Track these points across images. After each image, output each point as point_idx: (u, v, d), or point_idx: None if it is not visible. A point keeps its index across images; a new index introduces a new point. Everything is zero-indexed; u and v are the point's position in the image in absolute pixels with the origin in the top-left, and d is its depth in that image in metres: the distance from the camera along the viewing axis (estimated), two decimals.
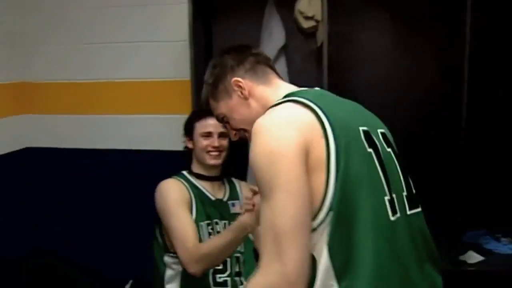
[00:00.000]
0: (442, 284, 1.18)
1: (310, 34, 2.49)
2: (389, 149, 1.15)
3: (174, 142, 2.14)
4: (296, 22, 2.47)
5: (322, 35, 2.27)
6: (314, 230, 1.01)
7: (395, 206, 1.08)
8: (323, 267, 1.00)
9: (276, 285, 0.97)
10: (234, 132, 1.31)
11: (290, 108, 1.09)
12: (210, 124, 1.94)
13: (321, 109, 1.05)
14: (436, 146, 2.47)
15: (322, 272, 1.01)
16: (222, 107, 1.28)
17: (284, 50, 2.48)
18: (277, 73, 1.31)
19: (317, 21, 2.39)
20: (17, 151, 2.74)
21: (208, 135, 1.95)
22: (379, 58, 2.52)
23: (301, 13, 2.40)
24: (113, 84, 2.67)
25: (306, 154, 1.00)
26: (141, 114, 2.66)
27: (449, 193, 2.29)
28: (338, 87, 2.33)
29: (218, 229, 1.92)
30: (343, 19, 2.40)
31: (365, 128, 1.11)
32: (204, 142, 1.94)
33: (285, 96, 1.15)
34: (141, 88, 2.63)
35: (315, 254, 1.01)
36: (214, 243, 1.78)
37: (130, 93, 2.66)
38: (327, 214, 1.00)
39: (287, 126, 1.03)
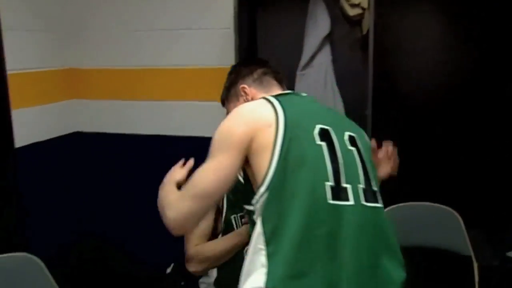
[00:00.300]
0: (403, 279, 1.29)
1: (356, 22, 2.46)
2: (352, 148, 1.32)
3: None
4: (341, 10, 2.44)
5: (368, 23, 2.24)
6: (256, 202, 1.22)
7: (341, 193, 1.22)
8: (256, 233, 1.20)
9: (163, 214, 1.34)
10: None
11: (256, 104, 1.36)
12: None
13: (282, 108, 1.28)
14: (481, 136, 2.40)
15: (255, 237, 1.20)
16: (231, 107, 1.50)
17: (329, 38, 2.47)
18: (281, 85, 1.53)
19: (363, 9, 2.35)
20: (66, 135, 2.83)
21: None
22: (425, 47, 2.45)
23: (347, 0, 2.37)
24: (158, 71, 2.72)
25: (250, 140, 1.25)
26: (185, 100, 2.69)
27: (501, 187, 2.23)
28: (383, 76, 2.31)
29: None
30: (389, 6, 2.35)
31: (324, 126, 1.30)
32: None
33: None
34: (186, 75, 2.66)
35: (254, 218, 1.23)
36: (218, 246, 1.72)
37: (175, 80, 2.69)
38: (266, 189, 1.20)
39: (239, 119, 1.31)
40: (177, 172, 1.52)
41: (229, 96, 1.58)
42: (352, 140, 1.34)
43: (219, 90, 2.56)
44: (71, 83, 2.85)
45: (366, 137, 1.47)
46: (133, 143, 2.85)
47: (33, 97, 2.52)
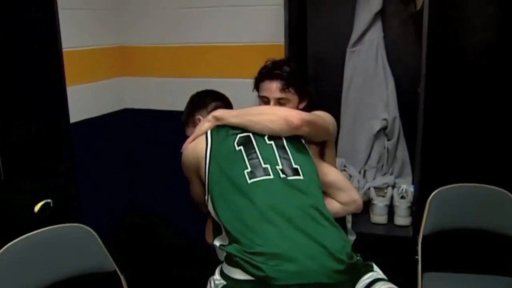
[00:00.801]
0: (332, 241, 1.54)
1: None
2: (270, 142, 1.76)
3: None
4: None
5: None
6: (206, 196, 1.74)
7: (260, 172, 1.66)
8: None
9: None
10: None
11: (195, 143, 1.88)
12: (267, 88, 1.99)
13: (211, 137, 1.82)
14: None
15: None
16: (189, 131, 2.06)
17: (380, 14, 2.40)
18: None
19: None
20: (116, 111, 2.89)
21: (266, 99, 2.00)
22: (482, 24, 2.35)
23: None
24: (206, 48, 2.72)
25: (196, 171, 1.86)
26: (235, 78, 2.68)
27: None
28: (437, 54, 2.24)
29: None
30: None
31: (244, 134, 1.78)
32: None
33: None
34: (234, 52, 2.65)
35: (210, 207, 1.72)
36: None
37: (223, 57, 2.69)
38: (209, 191, 1.71)
39: (184, 165, 1.95)
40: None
41: (188, 122, 2.12)
42: (272, 137, 1.76)
43: None
44: (120, 60, 2.89)
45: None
46: (179, 120, 2.88)
47: (84, 74, 2.58)
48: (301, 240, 1.51)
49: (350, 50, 2.47)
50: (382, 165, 2.53)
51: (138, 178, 3.01)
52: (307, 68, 2.59)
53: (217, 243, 1.67)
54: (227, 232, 1.60)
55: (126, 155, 2.95)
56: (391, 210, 2.42)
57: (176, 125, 2.91)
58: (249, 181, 1.64)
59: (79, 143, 2.44)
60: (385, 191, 2.43)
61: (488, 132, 2.38)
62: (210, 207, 1.71)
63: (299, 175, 1.68)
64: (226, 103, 2.08)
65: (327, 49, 2.57)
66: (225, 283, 1.57)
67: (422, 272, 2.10)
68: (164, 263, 3.01)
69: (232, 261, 1.53)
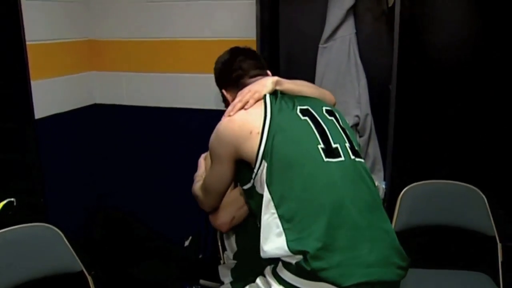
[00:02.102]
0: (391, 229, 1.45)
1: None
2: (331, 117, 1.55)
3: None
4: None
5: None
6: (255, 174, 1.44)
7: (333, 152, 1.44)
8: (266, 200, 1.39)
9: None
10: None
11: (244, 114, 1.52)
12: None
13: (270, 103, 1.50)
14: (508, 115, 2.33)
15: (265, 204, 1.39)
16: (228, 100, 1.72)
17: (353, 11, 2.39)
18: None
19: None
20: (85, 107, 2.82)
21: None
22: (453, 21, 2.37)
23: None
24: (177, 43, 2.67)
25: (235, 151, 1.49)
26: (207, 73, 2.63)
27: None
28: (409, 51, 2.24)
29: None
30: None
31: (303, 107, 1.52)
32: None
33: None
34: (206, 47, 2.61)
35: (259, 191, 1.45)
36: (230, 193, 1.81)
37: (197, 52, 2.64)
38: (260, 163, 1.42)
39: (222, 139, 1.52)
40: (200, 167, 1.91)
41: (227, 83, 1.74)
42: (330, 112, 1.57)
43: None
44: (89, 54, 2.82)
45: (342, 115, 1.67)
46: (152, 116, 2.83)
47: (51, 68, 2.51)
48: (379, 242, 1.38)
49: (322, 46, 2.45)
50: None
51: (108, 176, 2.95)
52: (278, 63, 2.58)
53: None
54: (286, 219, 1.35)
55: (95, 152, 2.89)
56: None
57: (147, 121, 2.87)
58: (325, 159, 1.42)
59: (45, 140, 2.37)
60: None
61: (458, 129, 2.40)
62: (260, 187, 1.44)
63: (361, 157, 1.53)
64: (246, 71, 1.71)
65: (299, 45, 2.55)
66: None
67: None
68: (133, 262, 2.97)
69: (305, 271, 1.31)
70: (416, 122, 2.40)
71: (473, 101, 2.36)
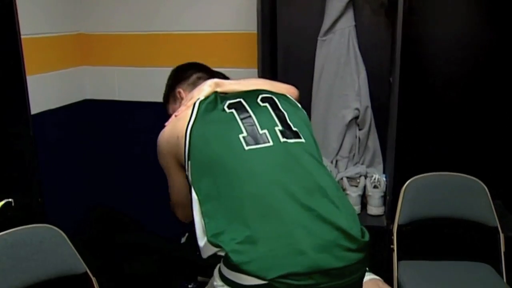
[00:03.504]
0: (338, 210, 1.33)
1: None
2: (264, 104, 1.52)
3: None
4: None
5: None
6: (187, 177, 1.45)
7: (259, 138, 1.40)
8: (194, 200, 1.37)
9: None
10: None
11: (180, 115, 1.54)
12: None
13: (199, 105, 1.50)
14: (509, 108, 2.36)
15: (194, 204, 1.37)
16: (170, 108, 1.80)
17: (352, 3, 2.37)
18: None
19: None
20: (76, 103, 2.74)
21: None
22: (456, 11, 2.36)
23: None
24: (173, 36, 2.62)
25: (174, 156, 1.51)
26: None
27: None
28: (410, 43, 2.24)
29: None
30: None
31: (233, 101, 1.52)
32: None
33: None
34: (202, 40, 2.57)
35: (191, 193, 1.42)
36: None
37: (190, 46, 2.59)
38: (188, 165, 1.42)
39: (161, 150, 1.59)
40: None
41: (168, 98, 1.82)
42: (265, 99, 1.55)
43: (237, 56, 2.51)
44: (80, 49, 2.74)
45: (291, 96, 1.65)
46: (145, 111, 2.77)
47: (44, 63, 2.43)
48: (315, 225, 1.28)
49: (321, 39, 2.43)
50: (354, 155, 2.52)
51: (101, 173, 2.89)
52: (276, 57, 2.54)
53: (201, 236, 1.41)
54: (212, 218, 1.32)
55: (86, 149, 2.82)
56: (363, 199, 2.42)
57: (139, 116, 2.81)
58: (246, 148, 1.39)
59: (38, 137, 2.30)
60: (358, 181, 2.43)
61: (460, 121, 2.42)
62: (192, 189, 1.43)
63: (300, 137, 1.47)
64: (210, 75, 1.79)
65: (297, 38, 2.52)
66: None
67: (397, 260, 2.11)
68: (129, 259, 2.92)
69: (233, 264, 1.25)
70: (418, 115, 2.41)
71: (476, 93, 2.38)
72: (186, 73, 1.80)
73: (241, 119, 1.45)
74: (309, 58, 2.48)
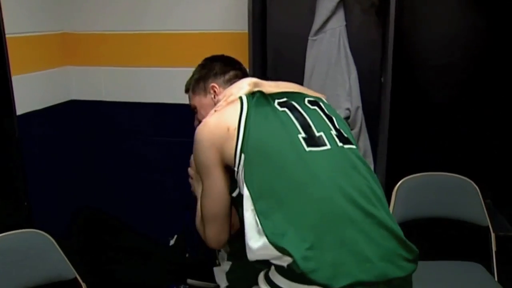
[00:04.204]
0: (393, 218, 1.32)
1: None
2: (313, 107, 1.47)
3: None
4: None
5: None
6: (236, 172, 1.34)
7: (317, 140, 1.35)
8: (245, 197, 1.27)
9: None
10: (197, 122, 1.67)
11: (220, 115, 1.42)
12: None
13: (247, 99, 1.41)
14: (500, 108, 2.37)
15: (245, 201, 1.27)
16: (196, 100, 1.68)
17: (342, 2, 2.36)
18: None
19: None
20: (61, 103, 2.68)
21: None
22: (448, 11, 2.36)
23: None
24: (160, 36, 2.57)
25: (220, 154, 1.37)
26: (188, 67, 2.55)
27: None
28: (402, 43, 2.24)
29: None
30: None
31: (281, 100, 1.44)
32: None
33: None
34: (192, 40, 2.52)
35: (240, 189, 1.33)
36: None
37: (182, 45, 2.55)
38: (240, 158, 1.31)
39: (203, 145, 1.39)
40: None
41: (196, 88, 1.70)
42: (312, 102, 1.50)
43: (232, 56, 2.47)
44: (65, 48, 2.68)
45: (328, 102, 1.59)
46: (133, 112, 2.73)
47: (27, 63, 2.36)
48: (378, 232, 1.24)
49: (312, 38, 2.41)
50: None
51: (88, 176, 2.83)
52: (266, 57, 2.52)
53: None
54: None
55: (72, 151, 2.75)
56: None
57: (126, 117, 2.76)
58: (307, 149, 1.32)
59: (23, 139, 2.24)
60: None
61: (452, 121, 2.42)
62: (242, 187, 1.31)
63: (351, 143, 1.42)
64: (244, 75, 1.72)
65: (287, 37, 2.49)
66: None
67: None
68: (117, 263, 2.87)
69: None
70: (409, 115, 2.41)
71: (466, 92, 2.39)
72: (224, 68, 1.68)
73: (296, 119, 1.39)
74: (299, 58, 2.45)
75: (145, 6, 2.55)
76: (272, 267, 1.26)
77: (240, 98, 1.43)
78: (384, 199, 1.34)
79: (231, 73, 1.66)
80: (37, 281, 1.69)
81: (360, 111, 2.44)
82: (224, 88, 1.60)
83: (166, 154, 2.72)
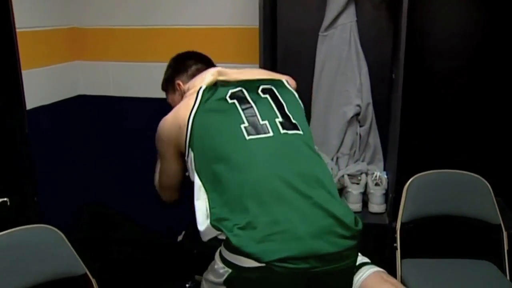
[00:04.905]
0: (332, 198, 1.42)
1: None
2: (265, 95, 1.59)
3: None
4: None
5: None
6: (187, 163, 1.54)
7: (260, 128, 1.48)
8: (197, 186, 1.45)
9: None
10: None
11: (182, 103, 1.62)
12: None
13: (202, 94, 1.55)
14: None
15: (197, 189, 1.45)
16: (170, 98, 1.87)
17: None
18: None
19: None
20: (69, 98, 2.67)
21: None
22: (460, 6, 2.35)
23: None
24: (169, 31, 2.55)
25: (175, 144, 1.57)
26: None
27: None
28: (414, 38, 2.22)
29: None
30: None
31: (235, 90, 1.57)
32: None
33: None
34: (201, 35, 2.51)
35: (192, 178, 1.51)
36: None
37: (191, 41, 2.52)
38: (188, 153, 1.51)
39: (161, 139, 1.64)
40: None
41: (167, 88, 1.88)
42: (266, 90, 1.61)
43: (237, 51, 2.46)
44: (73, 43, 2.67)
45: (289, 85, 1.70)
46: (141, 107, 2.71)
47: (37, 57, 2.35)
48: (312, 212, 1.36)
49: (323, 34, 2.39)
50: (354, 152, 2.49)
51: (95, 171, 2.82)
52: (276, 52, 2.50)
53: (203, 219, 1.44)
54: (216, 203, 1.39)
55: (80, 146, 2.75)
56: (363, 197, 2.39)
57: (134, 112, 2.75)
58: (247, 137, 1.46)
59: (32, 134, 2.23)
60: (359, 178, 2.40)
61: (464, 118, 2.40)
62: (193, 176, 1.49)
63: (298, 129, 1.54)
64: (209, 66, 1.81)
65: (298, 33, 2.47)
66: (230, 270, 1.36)
67: (401, 259, 2.09)
68: (124, 258, 2.86)
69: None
70: (420, 111, 2.39)
71: (478, 89, 2.36)
72: (185, 64, 1.83)
73: (243, 110, 1.52)
74: (310, 53, 2.44)
75: (154, 1, 2.54)
76: (222, 243, 1.39)
77: (198, 91, 1.57)
78: (327, 181, 1.45)
79: (193, 67, 1.80)
80: (47, 277, 1.68)
81: (371, 108, 2.43)
82: (188, 82, 1.73)
83: None
